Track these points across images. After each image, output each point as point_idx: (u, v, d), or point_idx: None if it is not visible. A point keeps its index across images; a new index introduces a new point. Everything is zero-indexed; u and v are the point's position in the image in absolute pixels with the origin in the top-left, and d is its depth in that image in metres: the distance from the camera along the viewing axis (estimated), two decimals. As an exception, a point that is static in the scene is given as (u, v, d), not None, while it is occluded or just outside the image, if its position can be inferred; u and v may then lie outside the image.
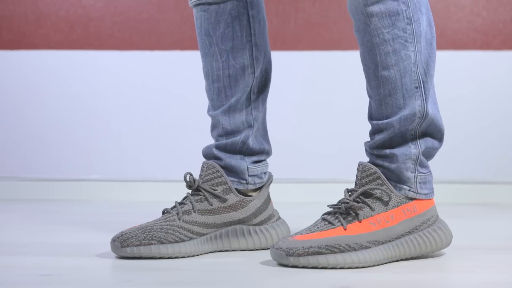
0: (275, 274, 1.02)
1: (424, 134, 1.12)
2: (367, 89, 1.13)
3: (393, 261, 1.08)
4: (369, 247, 1.06)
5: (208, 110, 1.25)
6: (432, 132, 1.13)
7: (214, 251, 1.19)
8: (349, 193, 1.10)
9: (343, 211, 1.08)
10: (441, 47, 2.12)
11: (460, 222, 1.65)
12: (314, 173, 2.10)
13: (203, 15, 1.23)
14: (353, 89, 2.11)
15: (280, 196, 2.06)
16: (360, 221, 1.07)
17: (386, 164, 1.10)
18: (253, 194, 1.23)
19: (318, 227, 1.07)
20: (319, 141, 2.12)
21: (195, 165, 2.18)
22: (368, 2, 1.07)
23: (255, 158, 1.24)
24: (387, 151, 1.10)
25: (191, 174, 1.20)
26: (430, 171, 1.14)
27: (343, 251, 1.04)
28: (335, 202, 1.11)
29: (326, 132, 2.11)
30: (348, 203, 1.07)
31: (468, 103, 2.11)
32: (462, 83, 2.11)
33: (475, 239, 1.35)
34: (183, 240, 1.14)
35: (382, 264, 1.07)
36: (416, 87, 1.09)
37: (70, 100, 2.16)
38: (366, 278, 0.99)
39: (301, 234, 1.06)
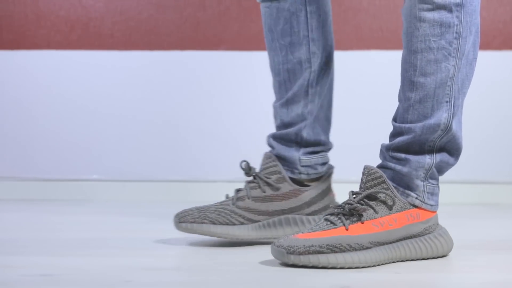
0: (275, 274, 1.02)
1: (442, 149, 1.13)
2: (399, 91, 1.17)
3: (392, 262, 1.08)
4: (370, 248, 1.06)
5: (273, 102, 1.33)
6: (451, 148, 1.14)
7: (265, 239, 1.23)
8: (354, 195, 1.10)
9: (346, 212, 1.08)
10: (441, 47, 2.12)
11: (460, 222, 1.65)
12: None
13: (266, 11, 1.28)
14: (353, 89, 2.11)
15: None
16: (362, 223, 1.07)
17: (398, 167, 1.12)
18: (312, 184, 1.27)
19: (320, 227, 1.07)
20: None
21: (195, 165, 2.18)
22: (424, 7, 1.09)
23: (309, 149, 1.27)
24: (403, 155, 1.11)
25: (246, 162, 1.26)
26: (438, 184, 1.15)
27: (344, 251, 1.04)
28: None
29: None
30: (352, 204, 1.07)
31: (468, 103, 2.11)
32: (462, 83, 2.11)
33: (475, 239, 1.35)
34: (234, 224, 1.20)
35: (381, 265, 1.07)
36: (447, 101, 1.11)
37: (70, 100, 2.16)
38: (366, 278, 0.99)
39: (302, 232, 1.06)
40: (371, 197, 1.09)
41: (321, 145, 1.29)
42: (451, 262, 1.12)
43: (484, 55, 2.11)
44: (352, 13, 2.12)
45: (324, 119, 1.30)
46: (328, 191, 1.28)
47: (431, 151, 1.12)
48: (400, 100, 1.16)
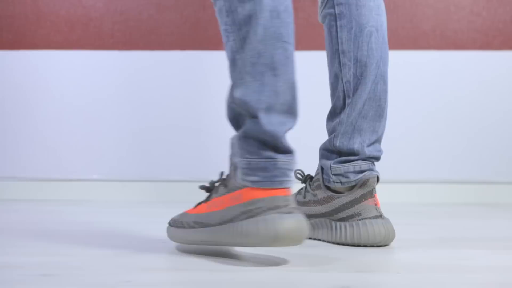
0: (275, 274, 1.02)
1: (238, 119, 1.11)
2: None
3: (217, 245, 1.12)
4: (194, 227, 1.14)
5: None
6: (244, 114, 1.09)
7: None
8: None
9: (207, 191, 1.17)
10: (441, 47, 2.12)
11: (460, 222, 1.65)
12: (314, 173, 2.10)
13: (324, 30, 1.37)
14: (353, 89, 2.12)
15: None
16: (206, 202, 1.14)
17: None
18: (345, 192, 1.29)
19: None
20: (319, 141, 2.12)
21: (195, 165, 2.18)
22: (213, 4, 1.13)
23: (343, 158, 1.31)
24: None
25: (300, 170, 1.36)
26: (262, 158, 1.07)
27: (178, 227, 1.17)
28: None
29: (326, 132, 2.11)
30: (208, 184, 1.16)
31: (468, 103, 2.11)
32: (462, 83, 2.11)
33: (475, 239, 1.35)
34: None
35: (200, 244, 1.14)
36: (234, 72, 1.09)
37: (70, 100, 2.16)
38: (366, 278, 0.99)
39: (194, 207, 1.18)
40: (226, 177, 1.13)
41: (354, 155, 1.30)
42: (450, 262, 1.12)
43: (484, 55, 2.12)
44: (352, 13, 2.12)
45: (367, 129, 1.31)
46: (361, 199, 1.27)
47: (238, 126, 1.11)
48: None
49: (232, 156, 1.11)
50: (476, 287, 0.96)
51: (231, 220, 1.07)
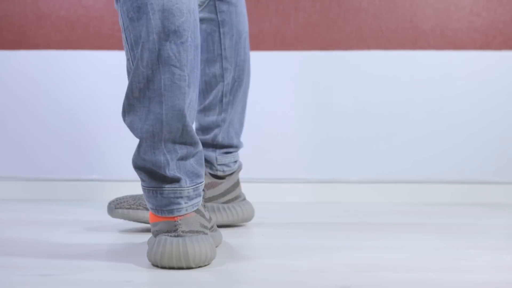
0: (275, 274, 1.02)
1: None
2: None
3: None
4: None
5: None
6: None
7: None
8: None
9: None
10: (441, 47, 2.12)
11: (460, 222, 1.65)
12: (314, 173, 2.10)
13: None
14: (353, 89, 2.11)
15: (280, 196, 2.06)
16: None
17: None
18: (226, 178, 1.48)
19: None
20: (319, 141, 2.12)
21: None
22: None
23: (224, 150, 1.48)
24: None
25: None
26: (153, 187, 1.11)
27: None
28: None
29: (326, 132, 2.11)
30: None
31: (467, 103, 2.11)
32: (462, 83, 2.11)
33: (475, 239, 1.35)
34: None
35: None
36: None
37: (70, 100, 2.16)
38: (366, 278, 0.99)
39: None
40: None
41: (233, 147, 1.50)
42: (450, 262, 1.12)
43: (484, 55, 2.12)
44: (352, 13, 2.12)
45: (238, 124, 1.51)
46: (237, 184, 1.50)
47: None
48: None
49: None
50: (476, 287, 0.96)
51: (153, 235, 1.12)
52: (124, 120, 1.09)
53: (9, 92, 2.16)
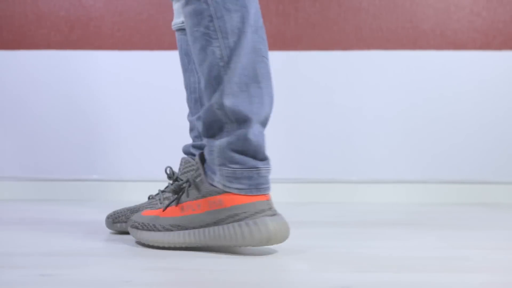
0: (274, 274, 1.02)
1: (225, 129, 1.15)
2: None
3: (193, 248, 1.18)
4: (172, 230, 1.18)
5: (188, 116, 1.48)
6: (229, 122, 1.15)
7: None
8: (176, 181, 1.24)
9: (174, 193, 1.21)
10: (441, 47, 2.12)
11: (460, 222, 1.65)
12: (314, 173, 2.10)
13: (182, 38, 1.46)
14: (353, 89, 2.11)
15: (280, 196, 2.06)
16: (177, 205, 1.19)
17: (205, 154, 1.18)
18: None
19: (156, 206, 1.26)
20: (319, 141, 2.12)
21: (195, 165, 2.18)
22: (183, 3, 1.16)
23: None
24: (203, 142, 1.24)
25: (171, 168, 1.36)
26: (247, 168, 1.14)
27: (150, 230, 1.19)
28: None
29: (326, 132, 2.11)
30: (173, 186, 1.20)
31: (468, 103, 2.11)
32: (462, 83, 2.11)
33: (475, 239, 1.36)
34: None
35: (181, 248, 1.18)
36: (217, 81, 1.13)
37: (70, 100, 2.16)
38: (366, 278, 0.99)
39: (149, 209, 1.24)
40: (189, 182, 1.18)
41: None
42: (450, 262, 1.12)
43: (484, 55, 2.12)
44: (352, 13, 2.12)
45: None
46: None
47: (218, 131, 1.15)
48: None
49: (209, 161, 1.16)
50: (476, 287, 0.96)
51: (215, 224, 1.14)
52: (222, 99, 1.12)
53: (9, 92, 2.16)
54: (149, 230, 1.21)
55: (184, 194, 1.18)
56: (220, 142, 1.14)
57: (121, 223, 1.38)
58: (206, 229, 1.15)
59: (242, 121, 1.13)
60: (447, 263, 1.11)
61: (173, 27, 1.49)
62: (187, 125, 2.21)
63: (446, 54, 2.11)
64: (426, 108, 2.11)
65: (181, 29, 1.47)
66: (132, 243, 1.29)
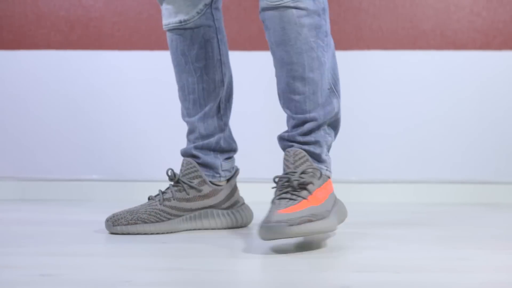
0: (274, 274, 1.02)
1: (333, 127, 1.37)
2: (283, 90, 1.32)
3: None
4: (328, 216, 1.22)
5: (184, 117, 1.51)
6: (337, 124, 1.38)
7: (189, 230, 1.42)
8: (287, 175, 1.26)
9: (296, 188, 1.24)
10: (441, 47, 2.12)
11: (460, 222, 1.65)
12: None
13: (178, 37, 1.50)
14: (353, 89, 2.11)
15: (280, 196, 2.06)
16: (311, 194, 1.23)
17: (311, 149, 1.30)
18: (223, 184, 1.49)
19: (285, 204, 1.20)
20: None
21: (195, 165, 2.18)
22: (301, 14, 1.28)
23: (226, 155, 1.50)
24: (312, 138, 1.31)
25: (172, 170, 1.46)
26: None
27: (320, 219, 1.19)
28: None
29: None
30: (298, 180, 1.24)
31: (468, 103, 2.11)
32: (462, 83, 2.11)
33: (475, 239, 1.36)
34: (163, 220, 1.39)
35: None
36: (329, 88, 1.33)
37: (70, 100, 2.16)
38: (366, 278, 0.99)
39: (280, 209, 1.19)
40: (305, 173, 1.27)
41: (233, 151, 1.52)
42: (450, 262, 1.12)
43: (484, 55, 2.12)
44: (352, 13, 2.12)
45: (229, 129, 1.53)
46: (235, 188, 1.50)
47: (329, 130, 1.35)
48: (288, 96, 1.31)
49: (325, 151, 1.34)
50: (476, 287, 0.96)
51: (333, 205, 1.29)
52: (339, 104, 1.37)
53: (9, 92, 2.16)
54: (319, 219, 1.18)
55: (311, 184, 1.25)
56: (331, 137, 1.36)
57: (121, 226, 1.36)
58: (332, 211, 1.27)
59: (338, 124, 1.40)
60: (447, 263, 1.11)
61: (166, 27, 1.51)
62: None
63: (446, 54, 2.11)
64: (426, 108, 2.11)
65: (176, 29, 1.48)
66: (132, 243, 1.29)
